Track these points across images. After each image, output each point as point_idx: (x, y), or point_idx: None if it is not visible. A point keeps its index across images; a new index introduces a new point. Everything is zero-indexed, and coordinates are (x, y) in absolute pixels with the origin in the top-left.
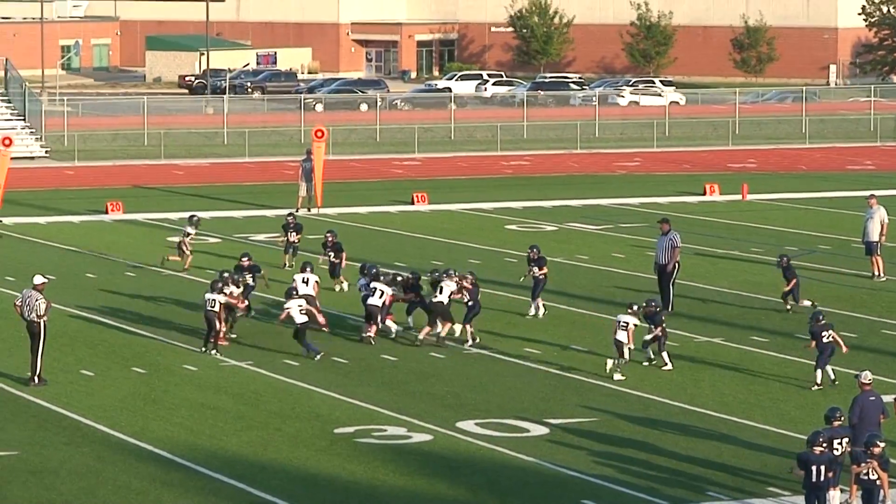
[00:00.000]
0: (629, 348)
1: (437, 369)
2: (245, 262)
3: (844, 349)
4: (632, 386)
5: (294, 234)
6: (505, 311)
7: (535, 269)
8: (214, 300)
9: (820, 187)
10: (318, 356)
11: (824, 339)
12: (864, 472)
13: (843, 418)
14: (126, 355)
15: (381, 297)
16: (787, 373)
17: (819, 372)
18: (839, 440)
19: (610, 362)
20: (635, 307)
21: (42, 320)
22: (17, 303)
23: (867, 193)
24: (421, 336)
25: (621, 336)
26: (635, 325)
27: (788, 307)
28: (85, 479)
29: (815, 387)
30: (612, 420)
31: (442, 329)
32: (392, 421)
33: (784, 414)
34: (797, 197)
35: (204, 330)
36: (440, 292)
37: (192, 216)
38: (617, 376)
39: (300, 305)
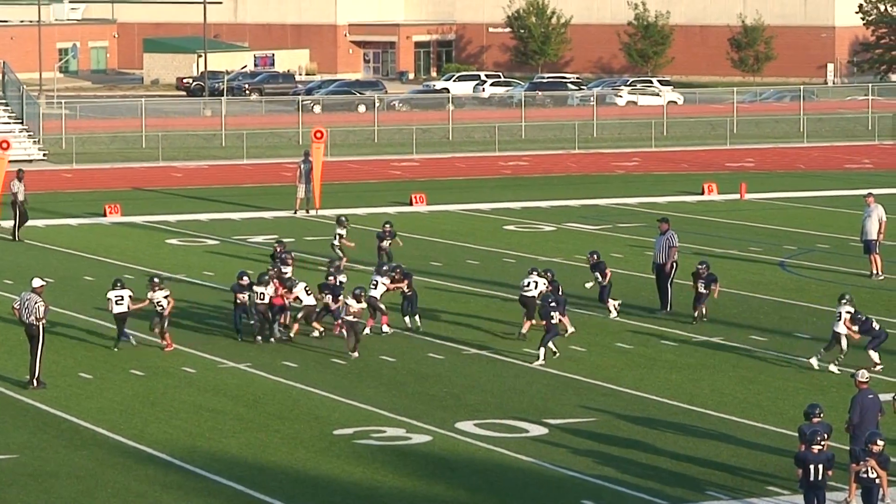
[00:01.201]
0: (846, 338)
1: (436, 370)
2: (245, 281)
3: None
4: (631, 386)
5: (388, 241)
6: (503, 310)
7: (598, 276)
8: (263, 293)
9: (818, 186)
10: (128, 341)
11: (876, 328)
12: (864, 470)
13: (822, 415)
14: (124, 358)
15: (380, 290)
16: (785, 372)
17: (874, 353)
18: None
19: (814, 360)
20: (848, 296)
21: (41, 323)
22: (15, 306)
23: (865, 192)
24: (524, 330)
25: (840, 328)
26: (849, 314)
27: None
28: (84, 482)
29: (877, 366)
30: (611, 420)
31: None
32: (391, 422)
33: (783, 413)
34: (795, 196)
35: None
36: (534, 287)
37: (341, 217)
38: (833, 368)
39: (118, 296)
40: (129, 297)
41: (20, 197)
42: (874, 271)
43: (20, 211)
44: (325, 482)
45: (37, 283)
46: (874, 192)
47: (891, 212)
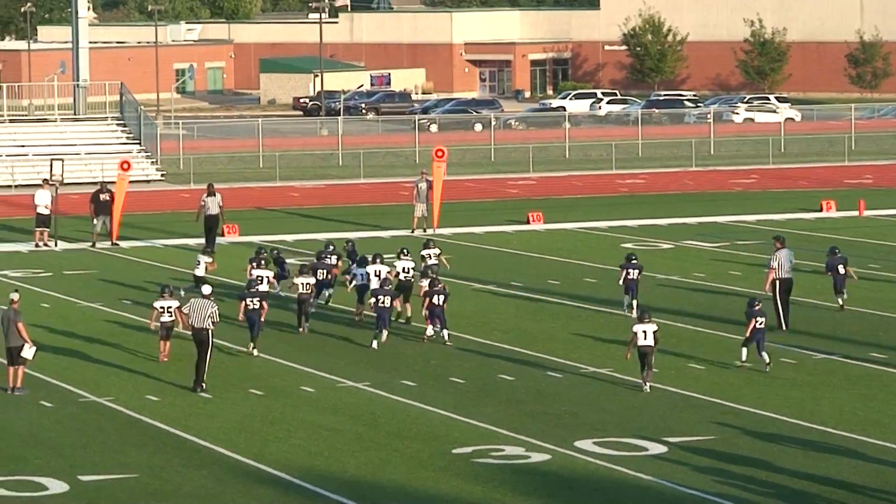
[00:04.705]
0: None
1: (555, 389)
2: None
3: None
4: (750, 403)
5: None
6: (620, 329)
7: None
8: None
9: None
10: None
11: None
12: None
13: None
14: (243, 377)
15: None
16: None
17: None
18: None
19: None
20: None
21: (213, 328)
22: (184, 311)
23: None
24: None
25: None
26: None
27: None
28: (203, 502)
29: None
30: (731, 438)
31: None
32: (510, 441)
33: None
34: None
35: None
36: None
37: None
38: None
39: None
40: (177, 308)
41: (209, 210)
42: None
43: (208, 226)
44: (444, 501)
45: (207, 290)
46: None
47: None
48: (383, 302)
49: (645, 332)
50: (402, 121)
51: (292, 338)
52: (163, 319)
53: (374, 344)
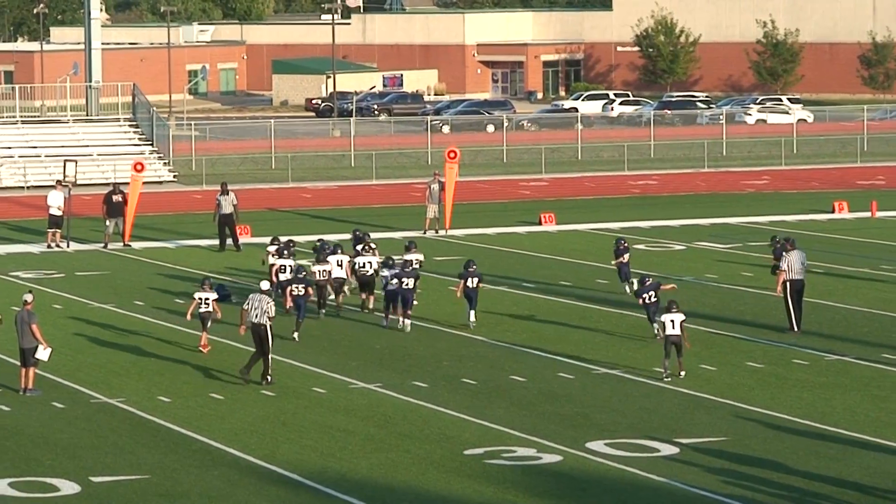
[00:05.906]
0: None
1: (566, 390)
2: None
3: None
4: (762, 405)
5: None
6: (633, 330)
7: None
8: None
9: None
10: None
11: None
12: None
13: None
14: (255, 378)
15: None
16: None
17: None
18: None
19: None
20: None
21: (270, 323)
22: (244, 307)
23: None
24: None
25: None
26: None
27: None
28: (215, 503)
29: None
30: (743, 439)
31: None
32: (521, 442)
33: None
34: None
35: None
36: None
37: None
38: None
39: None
40: (214, 300)
41: (223, 210)
42: None
43: (221, 224)
44: (456, 502)
45: (265, 285)
46: None
47: None
48: (407, 284)
49: (672, 321)
50: (414, 122)
51: (305, 338)
52: (200, 310)
53: (405, 324)
